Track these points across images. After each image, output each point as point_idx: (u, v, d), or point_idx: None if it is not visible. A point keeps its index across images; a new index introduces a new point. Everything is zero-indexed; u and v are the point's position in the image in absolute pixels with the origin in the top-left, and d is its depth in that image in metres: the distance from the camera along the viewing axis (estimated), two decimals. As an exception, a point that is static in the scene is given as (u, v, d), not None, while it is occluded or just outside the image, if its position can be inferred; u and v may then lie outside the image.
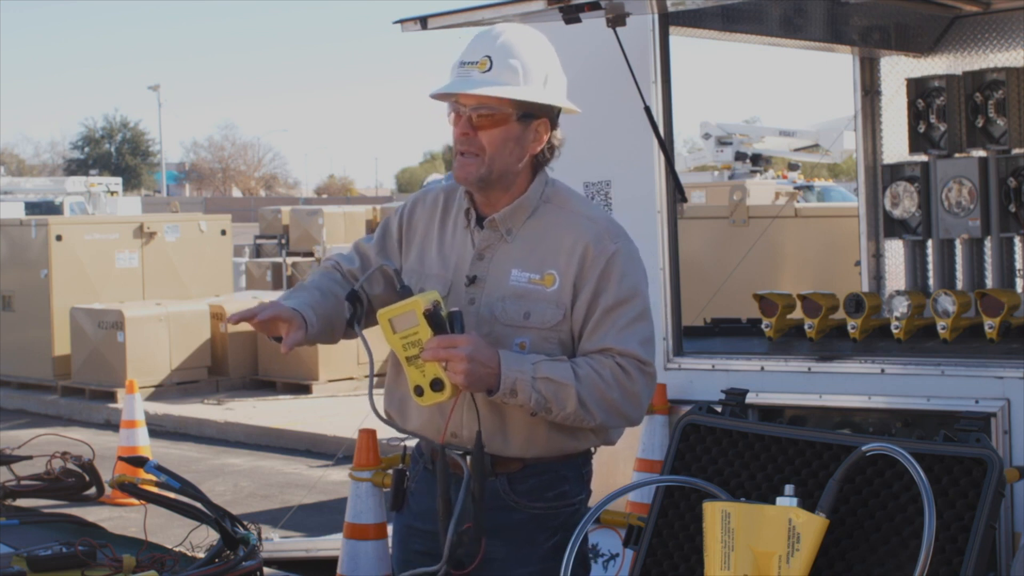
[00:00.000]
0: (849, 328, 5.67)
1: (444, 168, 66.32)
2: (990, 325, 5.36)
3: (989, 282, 6.31)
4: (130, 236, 14.02)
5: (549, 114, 2.97)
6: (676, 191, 5.59)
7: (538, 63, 2.95)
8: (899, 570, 2.40)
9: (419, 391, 2.81)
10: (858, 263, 7.09)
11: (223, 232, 14.95)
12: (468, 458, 2.89)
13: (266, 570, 4.09)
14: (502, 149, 2.90)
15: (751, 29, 6.34)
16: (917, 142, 6.43)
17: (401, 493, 3.13)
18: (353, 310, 2.99)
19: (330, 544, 6.07)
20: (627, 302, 2.91)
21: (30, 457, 4.06)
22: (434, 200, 3.11)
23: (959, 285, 6.38)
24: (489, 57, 2.89)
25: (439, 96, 2.97)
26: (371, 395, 3.00)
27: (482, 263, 2.98)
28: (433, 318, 2.77)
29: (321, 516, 7.96)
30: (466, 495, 2.84)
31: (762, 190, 18.22)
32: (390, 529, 5.01)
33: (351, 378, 12.91)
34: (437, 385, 2.78)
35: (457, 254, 3.01)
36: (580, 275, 2.91)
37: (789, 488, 2.45)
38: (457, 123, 2.91)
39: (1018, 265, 6.37)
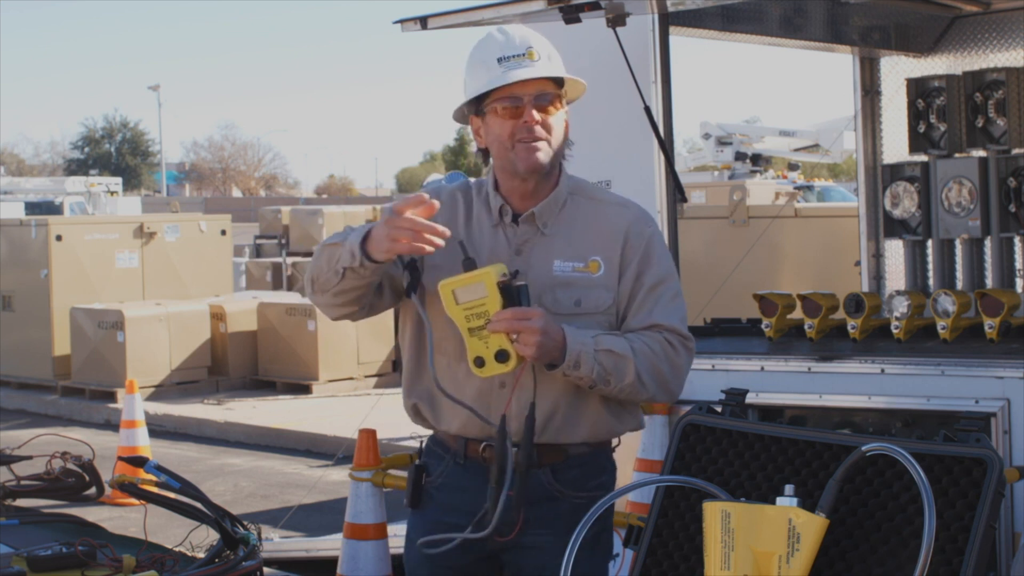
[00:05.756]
0: (849, 328, 5.67)
1: (444, 168, 66.30)
2: (990, 325, 5.36)
3: (989, 282, 6.30)
4: (130, 236, 14.04)
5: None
6: (676, 191, 5.59)
7: (558, 55, 3.11)
8: (899, 570, 2.40)
9: (480, 362, 2.83)
10: (858, 263, 7.09)
11: (223, 232, 14.96)
12: (515, 448, 2.95)
13: (266, 570, 4.09)
14: (561, 133, 3.04)
15: (751, 29, 6.34)
16: (917, 142, 6.43)
17: (419, 489, 3.13)
18: (411, 279, 2.95)
19: (330, 544, 6.07)
20: (666, 281, 3.07)
21: (30, 457, 4.07)
22: (451, 198, 3.12)
23: (959, 285, 6.38)
24: (533, 48, 3.01)
25: (494, 88, 3.02)
26: (432, 367, 2.94)
27: (520, 258, 3.02)
28: (507, 290, 2.81)
29: (321, 516, 7.97)
30: (514, 468, 2.88)
31: (762, 190, 18.23)
32: (390, 529, 5.03)
33: (351, 378, 12.92)
34: (502, 356, 2.81)
35: (488, 250, 3.02)
36: (623, 258, 3.04)
37: (789, 488, 2.45)
38: (520, 113, 2.98)
39: (1018, 265, 6.36)
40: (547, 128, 2.99)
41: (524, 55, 2.99)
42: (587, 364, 2.88)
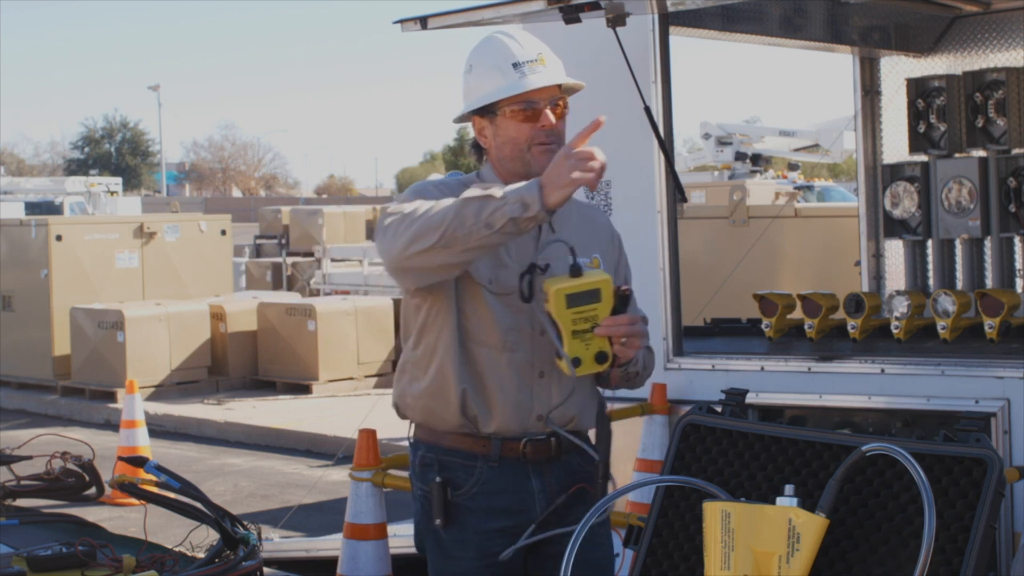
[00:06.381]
0: (849, 328, 5.67)
1: (444, 168, 66.28)
2: (990, 325, 5.36)
3: (989, 282, 6.30)
4: (130, 236, 14.04)
5: None
6: (676, 191, 5.58)
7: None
8: (899, 570, 2.40)
9: (577, 362, 2.92)
10: (858, 263, 7.09)
11: (223, 232, 14.96)
12: (554, 438, 3.09)
13: (266, 570, 4.09)
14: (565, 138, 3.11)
15: (751, 29, 6.34)
16: (917, 142, 6.43)
17: (449, 505, 3.10)
18: (531, 282, 2.98)
19: (330, 544, 6.07)
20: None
21: (30, 457, 4.06)
22: (462, 191, 3.15)
23: (959, 285, 6.38)
24: (543, 53, 3.11)
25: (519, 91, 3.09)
26: (571, 365, 2.95)
27: (542, 255, 3.08)
28: (623, 298, 2.93)
29: (321, 516, 7.97)
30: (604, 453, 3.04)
31: (762, 190, 18.22)
32: (390, 529, 5.03)
33: (351, 378, 12.92)
34: (602, 357, 2.92)
35: (515, 246, 3.07)
36: (613, 256, 3.24)
37: (789, 488, 2.45)
38: (535, 117, 3.06)
39: (1018, 265, 6.36)
40: (559, 131, 3.08)
41: (536, 60, 3.07)
42: (641, 360, 3.12)
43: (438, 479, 3.09)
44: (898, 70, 6.86)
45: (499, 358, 3.05)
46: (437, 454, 3.12)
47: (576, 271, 2.91)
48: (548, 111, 3.05)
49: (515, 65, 3.05)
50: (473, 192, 2.86)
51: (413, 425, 3.20)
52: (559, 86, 3.10)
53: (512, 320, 3.04)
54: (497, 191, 2.83)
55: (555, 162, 2.82)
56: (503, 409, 3.06)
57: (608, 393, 3.21)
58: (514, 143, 3.06)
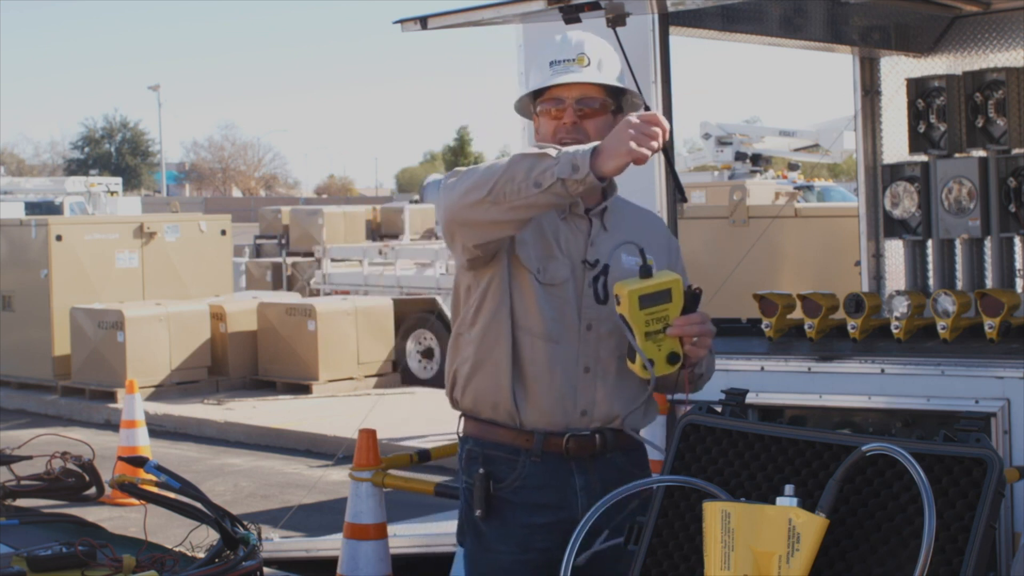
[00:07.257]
0: (849, 328, 5.67)
1: (444, 168, 66.26)
2: (990, 325, 5.36)
3: (989, 282, 6.30)
4: (130, 236, 14.04)
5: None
6: (676, 191, 5.57)
7: (618, 64, 3.21)
8: (899, 570, 2.40)
9: (649, 364, 2.94)
10: (858, 263, 7.09)
11: (223, 232, 14.97)
12: (598, 435, 3.10)
13: (266, 570, 4.09)
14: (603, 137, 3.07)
15: (751, 29, 6.33)
16: (917, 142, 6.43)
17: (491, 498, 3.11)
18: (605, 284, 3.01)
19: (330, 544, 6.07)
20: None
21: (30, 457, 4.06)
22: None
23: (959, 285, 6.37)
24: (584, 54, 3.11)
25: (542, 90, 3.13)
26: (640, 353, 2.94)
27: (594, 248, 3.12)
28: (693, 297, 2.94)
29: (321, 516, 7.97)
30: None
31: (762, 190, 18.21)
32: (390, 529, 5.03)
33: (351, 378, 12.92)
34: (674, 358, 2.94)
35: (565, 239, 3.10)
36: (668, 261, 3.21)
37: (789, 488, 2.45)
38: (561, 115, 3.09)
39: (1018, 265, 6.36)
40: (586, 132, 3.05)
41: (574, 60, 3.09)
42: (704, 363, 3.13)
43: (481, 471, 3.11)
44: (898, 70, 6.86)
45: (543, 348, 3.06)
46: (483, 448, 3.15)
47: (647, 272, 2.91)
48: (570, 110, 3.06)
49: (551, 63, 3.10)
50: (530, 150, 2.84)
51: (462, 420, 3.22)
52: (608, 91, 3.10)
53: (557, 312, 3.06)
54: (552, 151, 2.79)
55: (616, 129, 2.78)
56: (545, 400, 3.07)
57: (680, 396, 3.13)
58: (545, 140, 3.09)
